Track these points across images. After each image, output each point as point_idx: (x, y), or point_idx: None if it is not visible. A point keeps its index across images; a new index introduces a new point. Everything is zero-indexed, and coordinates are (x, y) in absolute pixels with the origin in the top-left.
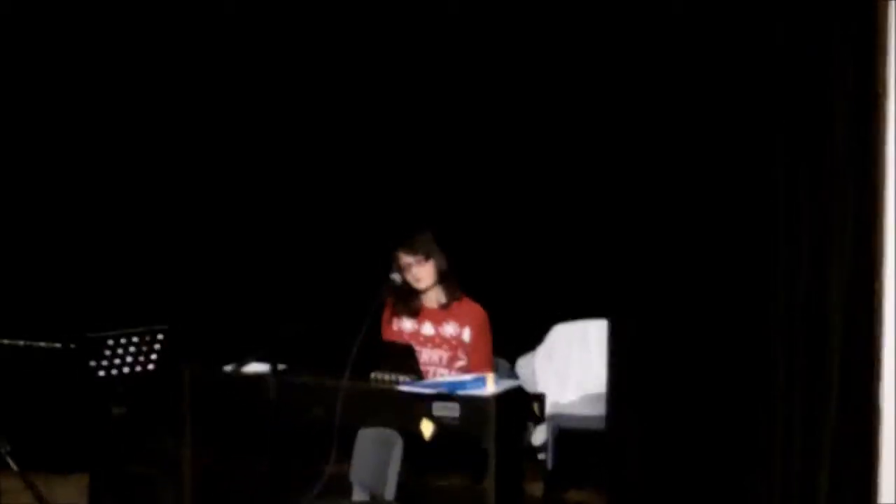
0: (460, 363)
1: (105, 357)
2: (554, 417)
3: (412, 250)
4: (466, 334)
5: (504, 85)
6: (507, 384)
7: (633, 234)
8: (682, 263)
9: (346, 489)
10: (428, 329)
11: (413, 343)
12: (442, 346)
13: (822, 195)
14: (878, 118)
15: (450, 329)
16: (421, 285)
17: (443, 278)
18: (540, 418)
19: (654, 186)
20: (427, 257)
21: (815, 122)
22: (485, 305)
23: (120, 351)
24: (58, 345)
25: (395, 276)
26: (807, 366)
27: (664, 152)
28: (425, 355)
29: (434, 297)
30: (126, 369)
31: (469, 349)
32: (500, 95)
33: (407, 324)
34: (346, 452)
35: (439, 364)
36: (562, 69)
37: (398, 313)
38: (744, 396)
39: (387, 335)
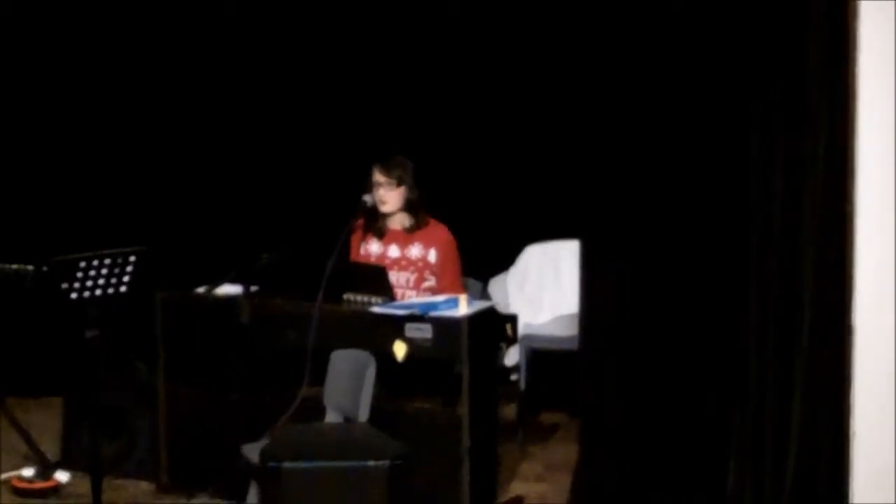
0: (427, 283)
1: (77, 279)
2: (527, 338)
3: (386, 171)
4: (432, 255)
5: (480, 10)
6: (480, 305)
7: (605, 156)
8: (656, 186)
9: (320, 412)
10: (394, 251)
11: None
12: (408, 268)
13: (794, 129)
14: (848, 57)
15: (415, 251)
16: (384, 208)
17: (409, 207)
18: (513, 339)
19: (631, 109)
20: (398, 184)
21: (789, 59)
22: (457, 225)
23: (92, 273)
24: (30, 267)
25: (367, 198)
26: (781, 293)
27: (643, 78)
28: (392, 278)
29: (399, 221)
30: (98, 292)
31: (436, 270)
32: (473, 23)
33: (373, 247)
34: (319, 375)
35: (406, 286)
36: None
37: (367, 234)
38: (717, 318)
39: (355, 259)
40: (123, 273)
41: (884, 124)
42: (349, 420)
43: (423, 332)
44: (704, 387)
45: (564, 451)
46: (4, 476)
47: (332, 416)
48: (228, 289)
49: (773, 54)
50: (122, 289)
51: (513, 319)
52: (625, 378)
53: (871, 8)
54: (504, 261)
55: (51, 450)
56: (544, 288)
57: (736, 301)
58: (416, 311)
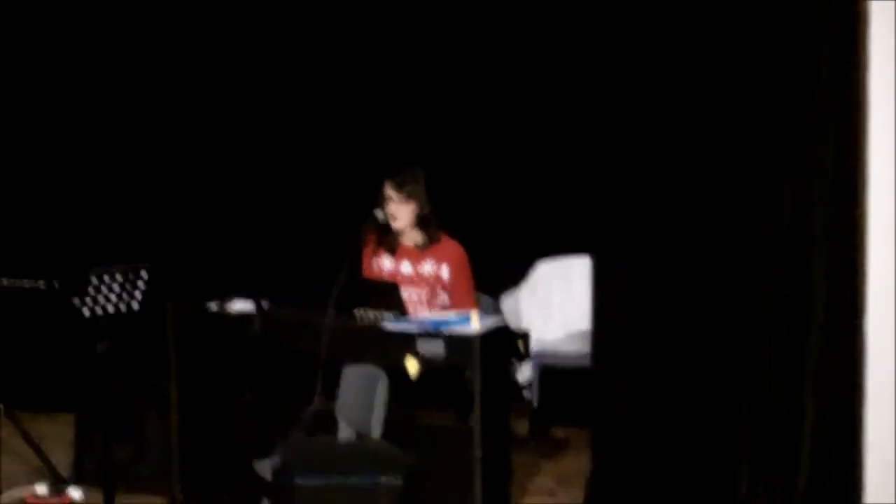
0: (439, 300)
1: (89, 295)
2: (538, 354)
3: (397, 186)
4: (444, 271)
5: (489, 23)
6: (492, 321)
7: (615, 172)
8: (665, 202)
9: (332, 426)
10: (406, 268)
11: None
12: (420, 284)
13: (803, 132)
14: (858, 48)
15: (428, 267)
16: (396, 224)
17: (421, 223)
18: (525, 355)
19: (639, 124)
20: (409, 199)
21: (793, 61)
22: (469, 241)
23: (104, 289)
24: (42, 283)
25: (379, 213)
26: (791, 298)
27: (650, 90)
28: (404, 294)
29: (411, 237)
30: (110, 307)
31: (448, 286)
32: (485, 33)
33: (386, 263)
34: (331, 389)
35: (418, 302)
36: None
37: (378, 249)
38: (728, 328)
39: (367, 274)
40: (135, 288)
41: (893, 125)
42: (361, 435)
43: (436, 347)
44: (715, 397)
45: (576, 465)
46: (17, 493)
47: (344, 431)
48: (240, 304)
49: (777, 56)
50: (134, 304)
51: (525, 336)
52: (637, 390)
53: (879, 8)
54: (516, 277)
55: (62, 464)
56: (555, 304)
57: (746, 311)
58: (428, 328)
